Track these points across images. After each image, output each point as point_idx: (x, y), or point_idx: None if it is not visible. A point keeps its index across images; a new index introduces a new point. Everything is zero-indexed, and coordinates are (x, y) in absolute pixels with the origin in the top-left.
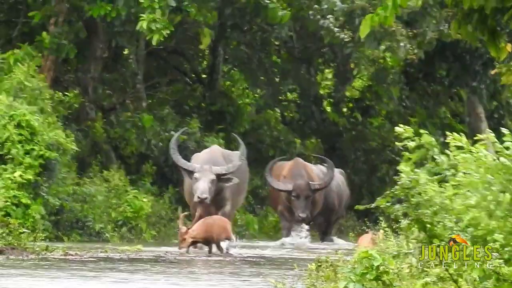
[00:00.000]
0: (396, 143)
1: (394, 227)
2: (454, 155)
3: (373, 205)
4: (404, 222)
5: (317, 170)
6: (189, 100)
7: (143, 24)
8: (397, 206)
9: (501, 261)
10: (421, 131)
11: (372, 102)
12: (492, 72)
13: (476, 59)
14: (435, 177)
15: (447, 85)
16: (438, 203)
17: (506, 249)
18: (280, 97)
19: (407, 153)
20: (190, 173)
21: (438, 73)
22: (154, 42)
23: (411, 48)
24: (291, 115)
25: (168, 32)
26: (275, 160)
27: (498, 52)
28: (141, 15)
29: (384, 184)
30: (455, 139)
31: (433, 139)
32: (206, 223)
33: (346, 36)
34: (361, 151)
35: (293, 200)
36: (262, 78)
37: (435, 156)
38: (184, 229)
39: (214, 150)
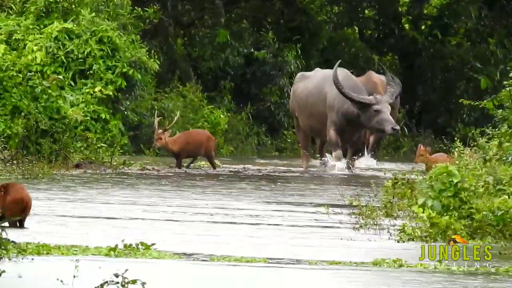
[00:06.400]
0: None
1: (471, 145)
2: None
3: (479, 103)
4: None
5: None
6: (267, 16)
7: None
8: (500, 110)
9: None
10: None
11: (450, 20)
12: None
13: None
14: None
15: None
16: None
17: None
18: (359, 14)
19: None
20: (367, 105)
21: None
22: None
23: None
24: (369, 32)
25: None
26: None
27: None
28: None
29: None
30: None
31: None
32: (189, 134)
33: None
34: (439, 69)
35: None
36: None
37: None
38: (160, 130)
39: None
